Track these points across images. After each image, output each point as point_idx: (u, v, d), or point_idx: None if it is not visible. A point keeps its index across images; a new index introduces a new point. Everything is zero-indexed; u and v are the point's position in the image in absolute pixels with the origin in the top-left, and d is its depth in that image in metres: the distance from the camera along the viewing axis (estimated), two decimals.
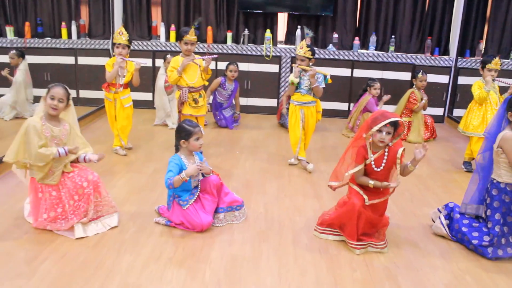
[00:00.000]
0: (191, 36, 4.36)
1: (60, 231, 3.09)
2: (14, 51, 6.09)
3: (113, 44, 4.63)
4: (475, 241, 3.09)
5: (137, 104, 6.51)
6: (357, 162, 3.05)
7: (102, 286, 2.54)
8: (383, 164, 3.02)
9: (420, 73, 5.87)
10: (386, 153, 3.02)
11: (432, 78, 6.73)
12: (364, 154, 3.04)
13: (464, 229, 3.16)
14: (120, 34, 4.53)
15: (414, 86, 5.95)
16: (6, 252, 2.85)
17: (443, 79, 6.87)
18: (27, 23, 6.80)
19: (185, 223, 3.19)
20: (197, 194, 3.26)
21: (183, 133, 3.23)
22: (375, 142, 2.99)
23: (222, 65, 6.57)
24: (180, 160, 3.22)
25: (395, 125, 2.94)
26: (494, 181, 3.08)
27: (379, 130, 2.91)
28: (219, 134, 5.81)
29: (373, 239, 3.09)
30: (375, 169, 3.02)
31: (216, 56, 4.86)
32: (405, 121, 5.88)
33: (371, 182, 3.00)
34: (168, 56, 5.90)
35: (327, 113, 6.78)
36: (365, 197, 3.04)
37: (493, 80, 4.63)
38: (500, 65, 4.64)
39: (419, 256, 3.05)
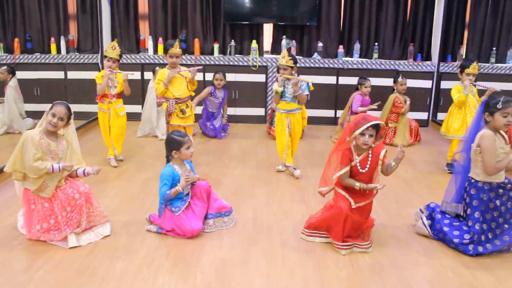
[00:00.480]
0: (175, 49, 4.48)
1: (53, 241, 3.16)
2: (4, 67, 6.16)
3: (104, 57, 4.75)
4: (456, 240, 3.21)
5: (127, 116, 6.62)
6: (342, 164, 3.16)
7: None
8: (367, 165, 3.13)
9: (400, 77, 6.03)
10: (370, 155, 3.14)
11: (416, 83, 6.93)
12: (349, 156, 3.15)
13: (445, 228, 3.28)
14: (113, 49, 4.68)
15: (395, 91, 6.09)
16: (1, 262, 2.92)
17: (426, 84, 7.05)
18: (16, 39, 6.87)
19: (176, 229, 3.28)
20: (189, 200, 3.35)
21: (174, 143, 3.33)
22: (358, 145, 3.11)
23: (209, 76, 6.70)
24: (173, 170, 3.32)
25: (377, 127, 3.06)
26: (472, 180, 3.21)
27: (362, 133, 3.03)
28: (207, 144, 5.91)
29: (358, 239, 3.20)
30: (361, 170, 3.13)
31: (201, 67, 4.97)
32: (390, 126, 6.03)
33: (357, 185, 3.11)
34: (157, 68, 6.01)
35: (314, 120, 6.93)
36: (351, 200, 3.15)
37: (472, 83, 4.79)
38: (478, 70, 4.79)
39: (403, 254, 3.16)
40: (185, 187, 3.27)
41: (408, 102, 6.00)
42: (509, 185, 3.16)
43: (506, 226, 3.17)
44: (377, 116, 5.95)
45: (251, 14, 7.09)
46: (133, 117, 6.79)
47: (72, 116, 3.26)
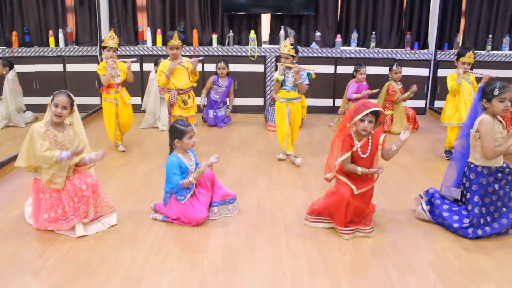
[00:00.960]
0: (175, 40, 4.52)
1: (61, 231, 3.22)
2: (0, 61, 6.17)
3: (103, 48, 4.80)
4: (456, 225, 3.28)
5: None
6: (344, 150, 3.22)
7: (107, 280, 2.68)
8: (368, 150, 3.19)
9: (395, 65, 6.09)
10: (370, 140, 3.20)
11: (413, 71, 6.99)
12: (350, 142, 3.21)
13: (444, 214, 3.35)
14: (112, 38, 4.78)
15: (390, 78, 6.15)
16: (11, 252, 2.97)
17: (424, 72, 7.11)
18: (14, 33, 6.86)
19: (182, 217, 3.34)
20: (193, 189, 3.41)
21: (177, 133, 3.38)
22: (358, 131, 3.17)
23: (208, 67, 6.75)
24: (178, 159, 3.37)
25: (376, 114, 3.12)
26: (472, 165, 3.28)
27: (362, 120, 3.10)
28: (208, 134, 5.96)
29: (360, 224, 3.27)
30: (362, 155, 3.19)
31: (201, 58, 5.02)
32: (387, 114, 6.09)
33: (359, 169, 3.17)
34: (160, 60, 6.05)
35: (312, 109, 6.98)
36: (353, 187, 3.21)
37: (469, 71, 4.85)
38: (474, 58, 4.84)
39: (404, 238, 3.23)
40: (198, 178, 3.32)
41: (406, 94, 6.05)
42: (507, 170, 3.24)
43: (504, 209, 3.25)
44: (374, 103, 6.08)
45: (249, 4, 7.11)
46: (133, 108, 6.81)
47: (75, 103, 3.29)
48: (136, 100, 6.86)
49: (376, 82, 6.35)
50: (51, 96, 3.20)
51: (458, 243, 3.18)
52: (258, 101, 7.15)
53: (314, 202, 3.50)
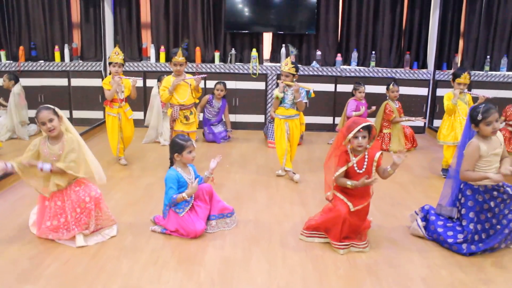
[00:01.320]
0: (179, 57, 4.63)
1: (61, 240, 3.28)
2: (5, 75, 6.30)
3: (109, 64, 4.94)
4: (450, 240, 3.33)
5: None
6: (339, 165, 3.28)
7: None
8: (364, 166, 3.26)
9: (392, 84, 6.20)
10: (366, 156, 3.27)
11: (412, 90, 7.10)
12: (346, 158, 3.27)
13: (439, 229, 3.41)
14: (116, 54, 4.93)
15: (387, 97, 6.26)
16: (12, 259, 3.04)
17: (423, 91, 7.20)
18: (21, 47, 7.04)
19: (180, 230, 3.40)
20: (192, 202, 3.48)
21: (176, 147, 3.46)
22: (354, 148, 3.25)
23: (210, 84, 6.86)
24: (177, 173, 3.45)
25: (368, 128, 3.20)
26: (468, 184, 3.33)
27: (355, 136, 3.17)
28: (209, 150, 6.05)
29: (355, 240, 3.32)
30: (358, 171, 3.26)
31: (205, 75, 5.13)
32: (385, 132, 6.18)
33: (349, 183, 3.22)
34: (163, 76, 6.17)
35: (312, 127, 7.08)
36: (350, 204, 3.27)
37: (465, 91, 4.94)
38: (469, 79, 4.94)
39: (399, 254, 3.28)
40: (191, 195, 3.39)
41: (404, 118, 6.19)
42: (502, 188, 3.29)
43: (498, 226, 3.30)
44: (372, 122, 6.18)
45: (251, 23, 7.25)
46: (136, 123, 6.91)
47: (57, 109, 3.26)
48: (139, 115, 6.98)
49: (375, 101, 6.44)
50: (34, 117, 3.25)
51: (451, 259, 3.23)
52: (259, 118, 7.25)
53: (311, 218, 3.55)
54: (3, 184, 4.36)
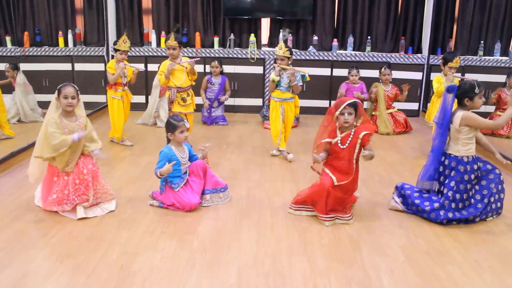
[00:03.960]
0: (171, 41, 4.83)
1: (64, 212, 3.51)
2: (7, 65, 6.33)
3: (115, 50, 5.22)
4: (427, 208, 3.55)
5: (131, 106, 6.98)
6: (329, 137, 3.50)
7: (105, 254, 2.97)
8: (347, 143, 3.44)
9: (384, 68, 6.39)
10: (352, 134, 3.45)
11: (407, 75, 7.26)
12: (333, 134, 3.49)
13: (416, 201, 3.62)
14: (125, 42, 5.19)
15: (380, 81, 6.47)
16: (20, 230, 3.28)
17: (417, 75, 7.37)
18: (26, 33, 7.23)
19: (176, 203, 3.63)
20: (187, 178, 3.70)
21: (170, 126, 3.68)
22: (341, 125, 3.44)
23: (209, 68, 7.03)
24: (170, 150, 3.67)
25: (354, 105, 3.38)
26: (452, 155, 3.54)
27: (341, 113, 3.37)
28: (207, 131, 6.27)
29: (341, 212, 3.54)
30: (340, 146, 3.45)
31: (198, 59, 5.27)
32: (374, 114, 6.43)
33: (314, 155, 3.46)
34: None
35: (308, 110, 7.27)
36: (334, 178, 3.49)
37: (455, 76, 5.12)
38: (459, 63, 5.11)
39: (381, 226, 3.50)
40: (164, 174, 3.55)
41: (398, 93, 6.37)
42: (482, 163, 3.54)
43: (472, 200, 3.52)
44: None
45: (250, 9, 7.42)
46: (137, 106, 7.13)
47: (79, 92, 3.56)
48: (141, 99, 7.19)
49: (370, 85, 6.61)
50: (56, 90, 3.50)
51: (430, 230, 3.45)
52: (257, 102, 7.45)
53: (299, 193, 3.76)
54: (12, 163, 4.61)
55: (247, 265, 2.89)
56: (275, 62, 4.99)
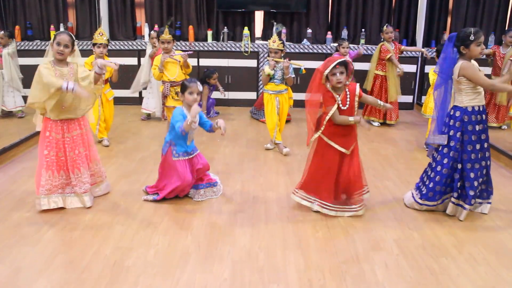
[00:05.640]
0: (165, 35, 4.78)
1: (53, 195, 3.51)
2: (3, 32, 6.18)
3: (93, 45, 5.00)
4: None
5: (125, 100, 6.96)
6: (329, 105, 3.37)
7: (99, 250, 2.95)
8: (347, 103, 3.39)
9: (385, 26, 6.26)
10: (347, 93, 3.40)
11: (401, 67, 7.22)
12: (331, 95, 3.37)
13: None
14: (101, 35, 4.94)
15: (382, 40, 6.33)
16: (13, 225, 3.26)
17: (411, 68, 7.36)
18: (17, 27, 7.17)
19: (170, 177, 3.60)
20: (188, 157, 3.65)
21: (182, 87, 3.66)
22: (334, 86, 3.35)
23: (203, 62, 7.03)
24: (182, 111, 3.60)
25: (344, 64, 3.31)
26: (458, 106, 3.49)
27: (333, 74, 3.29)
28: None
29: (350, 202, 3.54)
30: (342, 108, 3.38)
31: (191, 52, 5.21)
32: (379, 74, 6.32)
33: (351, 119, 3.35)
34: (152, 32, 6.30)
35: (303, 103, 7.22)
36: (343, 150, 3.42)
37: None
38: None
39: (375, 220, 3.50)
40: (195, 114, 3.45)
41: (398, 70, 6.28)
42: (484, 115, 3.50)
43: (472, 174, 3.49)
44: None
45: (243, 2, 7.38)
46: (131, 101, 7.11)
47: (76, 43, 3.49)
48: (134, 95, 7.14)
49: (365, 77, 6.59)
50: (53, 36, 3.41)
51: (424, 223, 3.45)
52: (251, 95, 7.43)
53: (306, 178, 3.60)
54: (3, 159, 4.56)
55: (241, 260, 2.88)
56: (268, 56, 4.97)
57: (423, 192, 3.62)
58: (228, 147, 5.24)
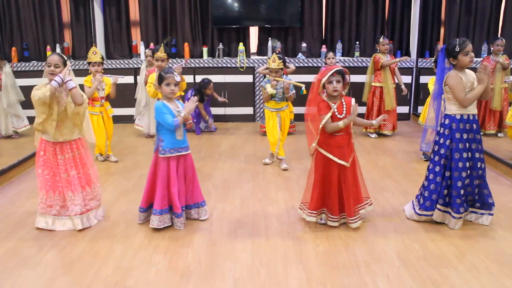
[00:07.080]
0: (161, 53, 4.83)
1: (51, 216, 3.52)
2: None
3: (88, 64, 5.07)
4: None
5: (121, 119, 6.96)
6: (323, 113, 3.38)
7: (100, 270, 2.94)
8: (344, 111, 3.40)
9: (382, 37, 6.30)
10: (343, 103, 3.41)
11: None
12: (326, 104, 3.38)
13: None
14: (94, 54, 5.02)
15: (378, 51, 6.36)
16: (12, 249, 3.24)
17: (406, 79, 7.39)
18: (13, 48, 7.20)
19: (155, 174, 3.57)
20: (176, 154, 3.52)
21: (158, 78, 3.48)
22: (330, 94, 3.37)
23: (199, 78, 7.04)
24: (164, 104, 3.43)
25: (341, 73, 3.33)
26: (447, 114, 3.54)
27: (330, 82, 3.31)
28: (199, 141, 6.25)
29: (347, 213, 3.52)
30: (338, 116, 3.38)
31: (182, 63, 5.17)
32: (377, 86, 6.33)
33: (340, 123, 3.34)
34: (147, 50, 6.34)
35: (301, 117, 7.25)
36: (343, 162, 3.41)
37: None
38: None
39: (375, 232, 3.50)
40: (190, 112, 3.43)
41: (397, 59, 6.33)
42: (475, 125, 3.51)
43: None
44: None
45: (238, 18, 7.45)
46: (127, 119, 7.11)
47: (68, 62, 3.48)
48: (131, 111, 7.14)
49: (360, 89, 6.63)
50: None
51: (425, 234, 3.44)
52: (248, 110, 7.45)
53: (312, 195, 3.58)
54: (2, 180, 4.56)
55: (243, 276, 2.87)
56: (268, 75, 4.96)
57: (421, 203, 3.63)
58: (226, 163, 5.25)
